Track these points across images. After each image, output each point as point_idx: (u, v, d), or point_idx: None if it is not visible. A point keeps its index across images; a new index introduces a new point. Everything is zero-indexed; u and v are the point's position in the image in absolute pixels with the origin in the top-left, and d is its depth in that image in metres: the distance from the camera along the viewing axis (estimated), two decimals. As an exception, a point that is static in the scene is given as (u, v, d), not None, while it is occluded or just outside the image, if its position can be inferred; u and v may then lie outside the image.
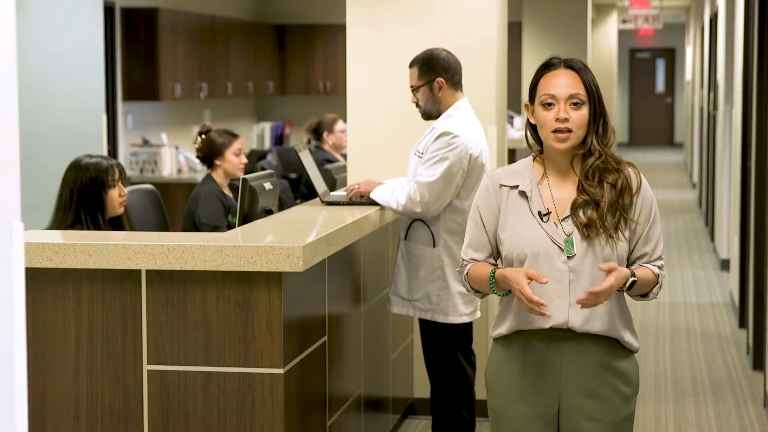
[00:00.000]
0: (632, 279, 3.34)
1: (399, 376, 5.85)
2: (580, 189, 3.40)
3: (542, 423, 3.44)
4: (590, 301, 3.27)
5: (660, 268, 3.46)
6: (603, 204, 3.36)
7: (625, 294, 3.45)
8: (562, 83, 3.38)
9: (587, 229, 3.36)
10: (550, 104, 3.38)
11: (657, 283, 3.45)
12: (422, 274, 5.11)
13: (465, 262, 3.53)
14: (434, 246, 5.10)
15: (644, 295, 3.47)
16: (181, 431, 3.92)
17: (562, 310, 3.37)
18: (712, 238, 12.51)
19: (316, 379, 4.30)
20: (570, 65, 3.41)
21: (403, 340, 5.92)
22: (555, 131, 3.36)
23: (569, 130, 3.36)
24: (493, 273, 3.39)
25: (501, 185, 3.46)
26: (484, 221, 3.47)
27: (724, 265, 10.86)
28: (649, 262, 3.45)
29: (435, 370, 5.23)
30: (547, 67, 3.43)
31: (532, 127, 3.47)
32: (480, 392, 5.58)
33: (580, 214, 3.37)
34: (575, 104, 3.37)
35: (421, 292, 5.11)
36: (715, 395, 6.76)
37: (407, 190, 5.05)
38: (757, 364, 7.17)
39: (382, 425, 5.54)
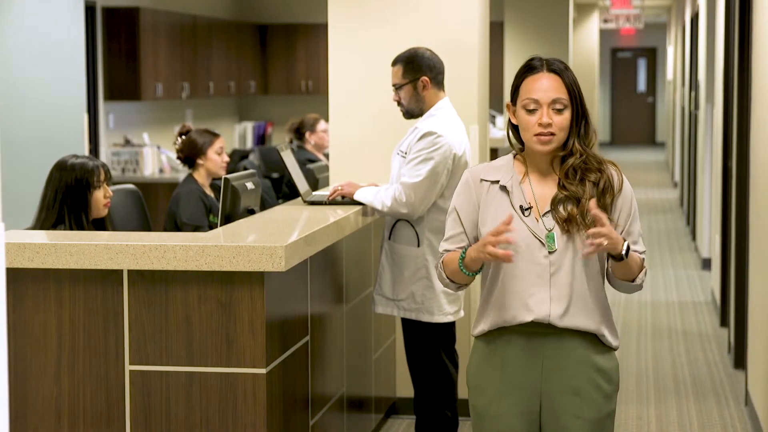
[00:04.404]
0: (626, 243, 3.33)
1: (382, 376, 5.85)
2: (561, 186, 3.41)
3: (524, 421, 3.45)
4: (596, 236, 3.25)
5: (642, 261, 3.47)
6: (584, 201, 3.37)
7: (610, 283, 3.46)
8: (545, 87, 3.37)
9: (568, 224, 3.37)
10: (533, 109, 3.38)
11: (643, 268, 3.44)
12: (407, 273, 5.11)
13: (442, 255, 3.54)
14: (418, 245, 5.10)
15: (632, 280, 3.44)
16: None
17: (543, 303, 3.38)
18: (694, 237, 12.54)
19: (298, 379, 4.30)
20: (552, 68, 3.41)
21: (386, 340, 5.93)
22: (538, 134, 3.37)
23: (552, 134, 3.37)
24: (464, 252, 3.40)
25: (482, 180, 3.46)
26: (462, 215, 3.47)
27: (706, 263, 10.88)
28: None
29: (418, 369, 5.23)
30: (529, 70, 3.42)
31: (514, 127, 3.48)
32: (463, 391, 5.59)
33: (560, 209, 3.39)
34: (558, 109, 3.37)
35: (405, 292, 5.11)
36: (696, 394, 6.78)
37: (392, 192, 5.05)
38: (739, 363, 7.19)
39: (364, 425, 5.53)
